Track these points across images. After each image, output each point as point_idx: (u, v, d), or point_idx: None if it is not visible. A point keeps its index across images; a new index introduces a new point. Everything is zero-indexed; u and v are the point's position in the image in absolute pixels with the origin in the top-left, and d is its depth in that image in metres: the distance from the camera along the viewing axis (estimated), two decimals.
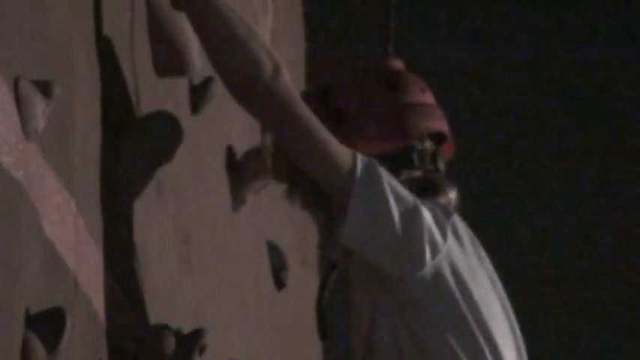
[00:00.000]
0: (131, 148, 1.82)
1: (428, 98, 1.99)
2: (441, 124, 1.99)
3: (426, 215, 1.86)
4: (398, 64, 2.09)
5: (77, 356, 1.49)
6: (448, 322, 1.86)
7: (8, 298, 1.24)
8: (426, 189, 1.94)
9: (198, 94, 2.29)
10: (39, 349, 1.28)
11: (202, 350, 1.90)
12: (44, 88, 1.32)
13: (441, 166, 2.00)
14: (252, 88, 1.79)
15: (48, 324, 1.32)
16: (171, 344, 1.79)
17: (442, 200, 1.96)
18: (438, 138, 1.99)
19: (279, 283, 3.28)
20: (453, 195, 1.98)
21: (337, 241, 1.87)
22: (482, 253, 2.00)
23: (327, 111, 1.94)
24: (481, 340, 1.87)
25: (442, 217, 1.90)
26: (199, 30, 1.85)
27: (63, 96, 1.43)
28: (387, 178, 1.85)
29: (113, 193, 1.75)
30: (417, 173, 1.95)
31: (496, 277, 1.98)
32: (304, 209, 2.02)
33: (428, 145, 1.96)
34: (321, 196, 1.90)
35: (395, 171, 1.90)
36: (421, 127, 1.95)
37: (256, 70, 1.78)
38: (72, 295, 1.50)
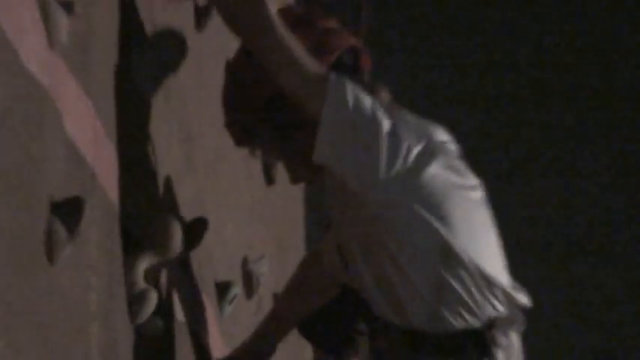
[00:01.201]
0: (143, 60, 2.02)
1: (333, 23, 2.13)
2: (352, 40, 2.12)
3: (388, 126, 1.98)
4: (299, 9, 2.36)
5: (94, 239, 1.68)
6: (405, 222, 1.99)
7: (34, 188, 1.41)
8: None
9: (202, 14, 2.52)
10: (61, 231, 1.46)
11: (202, 236, 2.13)
12: (68, 6, 1.52)
13: (365, 76, 2.11)
14: (241, 13, 1.98)
15: (68, 211, 1.48)
16: (177, 230, 2.00)
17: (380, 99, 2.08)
18: (355, 52, 2.11)
19: (269, 179, 3.52)
20: (385, 94, 2.10)
21: (313, 161, 1.99)
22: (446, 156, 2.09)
23: None
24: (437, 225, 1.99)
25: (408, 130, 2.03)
26: None
27: (84, 13, 1.63)
28: (356, 92, 1.99)
29: (127, 99, 1.95)
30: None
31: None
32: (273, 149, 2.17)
33: (346, 59, 2.08)
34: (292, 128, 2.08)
35: None
36: (335, 44, 2.07)
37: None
38: (89, 186, 1.68)
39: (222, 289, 2.64)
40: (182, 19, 2.31)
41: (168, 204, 2.18)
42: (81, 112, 1.66)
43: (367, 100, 2.00)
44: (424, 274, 2.00)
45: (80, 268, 1.61)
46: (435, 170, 2.01)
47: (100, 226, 1.72)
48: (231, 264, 2.88)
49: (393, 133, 1.99)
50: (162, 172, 2.15)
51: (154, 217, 2.02)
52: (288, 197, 3.98)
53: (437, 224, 1.98)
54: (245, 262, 2.99)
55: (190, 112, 2.41)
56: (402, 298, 2.02)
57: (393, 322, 2.06)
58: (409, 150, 1.99)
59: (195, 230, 2.10)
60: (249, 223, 3.14)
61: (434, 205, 1.99)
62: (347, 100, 1.97)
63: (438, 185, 2.01)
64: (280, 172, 3.42)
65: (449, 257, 1.98)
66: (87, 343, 1.66)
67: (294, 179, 2.19)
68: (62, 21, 1.49)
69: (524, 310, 2.11)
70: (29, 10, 1.40)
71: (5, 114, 1.29)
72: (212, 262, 2.58)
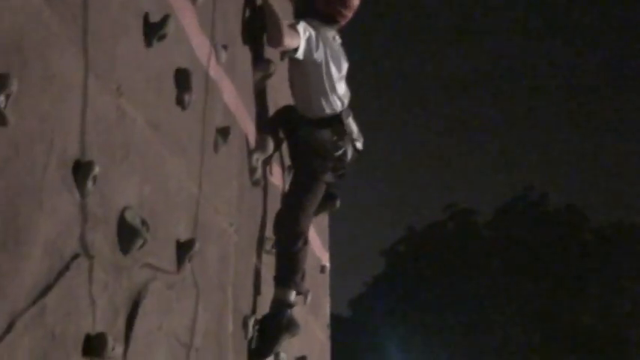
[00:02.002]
0: None
1: None
2: (348, 18, 5.39)
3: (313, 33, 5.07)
4: None
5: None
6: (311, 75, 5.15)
7: None
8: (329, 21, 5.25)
9: None
10: None
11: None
12: None
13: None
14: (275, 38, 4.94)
15: None
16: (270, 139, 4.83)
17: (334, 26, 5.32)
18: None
19: None
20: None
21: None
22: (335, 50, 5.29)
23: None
24: (326, 84, 5.16)
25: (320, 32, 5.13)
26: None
27: None
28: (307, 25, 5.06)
29: None
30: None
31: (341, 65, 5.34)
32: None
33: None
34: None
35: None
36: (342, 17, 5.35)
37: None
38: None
39: None
40: None
41: None
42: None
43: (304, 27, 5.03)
44: (319, 90, 5.16)
45: None
46: (318, 55, 5.10)
47: None
48: None
49: (309, 40, 5.05)
50: None
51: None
52: None
53: (315, 75, 5.13)
54: None
55: None
56: (309, 97, 5.16)
57: (303, 113, 5.15)
58: (311, 46, 5.06)
59: None
60: None
61: (315, 66, 5.13)
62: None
63: (319, 59, 5.11)
64: None
65: (328, 85, 5.19)
66: None
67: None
68: None
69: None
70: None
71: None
72: None
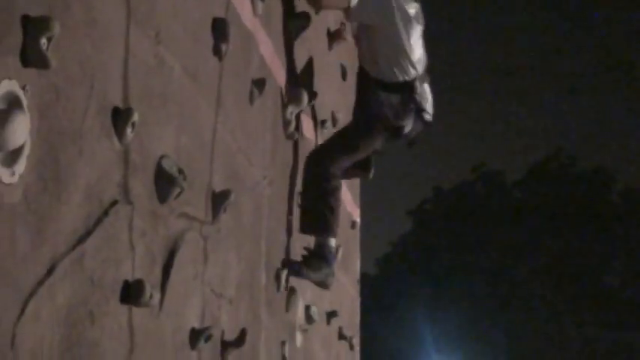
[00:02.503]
0: None
1: None
2: None
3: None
4: None
5: None
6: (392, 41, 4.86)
7: None
8: None
9: None
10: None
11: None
12: None
13: None
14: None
15: None
16: (304, 93, 4.81)
17: None
18: None
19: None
20: None
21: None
22: (419, 17, 4.95)
23: None
24: (397, 50, 4.84)
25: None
26: None
27: None
28: None
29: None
30: None
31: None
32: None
33: None
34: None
35: None
36: None
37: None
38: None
39: None
40: None
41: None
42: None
43: None
44: (388, 55, 4.84)
45: None
46: (398, 17, 4.81)
47: None
48: None
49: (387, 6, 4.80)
50: None
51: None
52: None
53: (396, 38, 4.82)
54: None
55: None
56: (377, 60, 4.87)
57: (372, 74, 4.90)
58: (390, 9, 4.80)
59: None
60: None
61: (397, 30, 4.83)
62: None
63: (399, 22, 4.81)
64: None
65: (398, 50, 4.85)
66: None
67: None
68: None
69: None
70: None
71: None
72: None
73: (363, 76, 4.97)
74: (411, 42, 4.86)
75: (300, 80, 4.99)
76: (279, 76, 4.66)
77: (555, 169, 33.94)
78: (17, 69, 2.04)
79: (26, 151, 2.05)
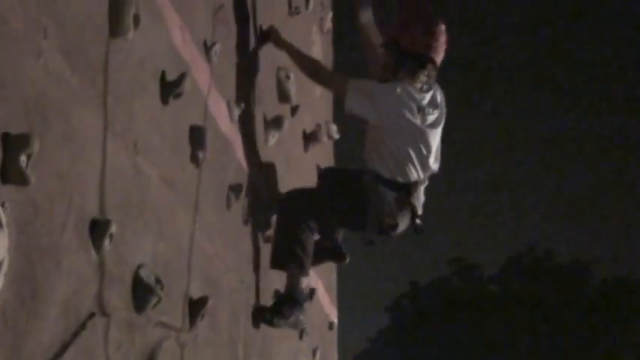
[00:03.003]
0: None
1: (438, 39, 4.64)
2: (439, 57, 4.67)
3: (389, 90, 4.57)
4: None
5: None
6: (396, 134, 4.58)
7: None
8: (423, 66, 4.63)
9: None
10: None
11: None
12: None
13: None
14: (317, 80, 4.91)
15: None
16: None
17: (424, 75, 4.63)
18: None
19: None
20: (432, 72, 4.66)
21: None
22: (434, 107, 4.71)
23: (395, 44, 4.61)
24: (421, 150, 4.60)
25: (401, 89, 4.57)
26: (291, 57, 4.85)
27: None
28: (361, 82, 4.63)
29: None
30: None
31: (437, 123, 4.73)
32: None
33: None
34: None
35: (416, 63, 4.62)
36: (436, 55, 4.64)
37: (317, 74, 4.84)
38: None
39: None
40: None
41: None
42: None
43: (366, 83, 4.62)
44: (393, 158, 4.58)
45: None
46: (397, 113, 4.57)
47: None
48: None
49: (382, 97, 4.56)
50: None
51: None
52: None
53: (400, 146, 4.59)
54: None
55: None
56: (382, 160, 4.58)
57: (375, 169, 4.57)
58: (398, 107, 4.56)
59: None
60: None
61: (402, 139, 4.60)
62: (362, 86, 4.61)
63: (401, 120, 4.58)
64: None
65: (402, 155, 4.59)
66: None
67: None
68: None
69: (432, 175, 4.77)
70: None
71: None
72: None
73: (364, 172, 4.62)
74: (420, 143, 4.59)
75: (275, 183, 5.01)
76: (256, 180, 4.69)
77: (531, 262, 34.01)
78: None
79: (4, 268, 2.05)
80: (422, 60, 4.57)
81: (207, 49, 3.82)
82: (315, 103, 6.41)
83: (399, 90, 4.51)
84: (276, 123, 4.97)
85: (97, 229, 2.56)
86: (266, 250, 4.91)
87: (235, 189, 4.17)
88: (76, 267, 2.46)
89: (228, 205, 4.14)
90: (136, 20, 2.77)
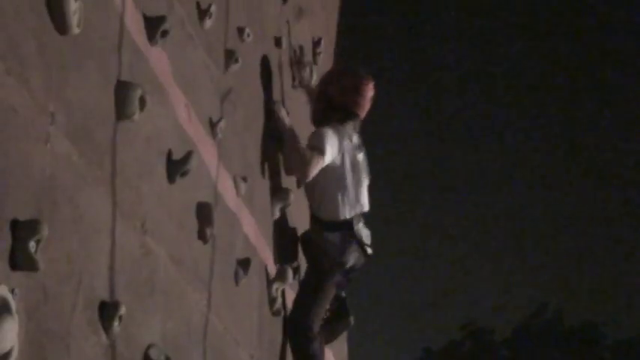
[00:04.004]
0: None
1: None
2: (365, 108, 5.22)
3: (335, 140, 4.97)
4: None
5: None
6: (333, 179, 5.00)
7: None
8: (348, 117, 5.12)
9: None
10: None
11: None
12: None
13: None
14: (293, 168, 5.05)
15: None
16: None
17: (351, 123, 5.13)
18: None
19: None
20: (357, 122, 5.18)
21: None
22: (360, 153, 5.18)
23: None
24: (341, 190, 5.03)
25: (340, 136, 5.00)
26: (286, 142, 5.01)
27: None
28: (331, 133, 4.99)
29: None
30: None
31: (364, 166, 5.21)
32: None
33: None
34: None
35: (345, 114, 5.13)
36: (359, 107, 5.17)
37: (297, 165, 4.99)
38: None
39: None
40: None
41: None
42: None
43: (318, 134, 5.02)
44: (329, 199, 5.02)
45: None
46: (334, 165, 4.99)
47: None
48: None
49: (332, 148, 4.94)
50: None
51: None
52: None
53: (334, 185, 5.02)
54: None
55: None
56: (323, 199, 5.03)
57: (315, 214, 5.09)
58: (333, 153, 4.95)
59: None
60: None
61: (335, 178, 5.02)
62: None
63: (337, 169, 5.01)
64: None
65: (340, 196, 5.03)
66: None
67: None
68: None
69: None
70: None
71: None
72: None
73: (312, 221, 5.16)
74: (356, 183, 5.10)
75: (285, 256, 5.02)
76: (264, 253, 4.69)
77: (542, 325, 33.74)
78: (6, 273, 2.06)
79: (14, 355, 2.05)
80: (348, 112, 5.12)
81: (212, 125, 3.85)
82: None
83: (331, 131, 4.98)
84: (282, 195, 4.99)
85: (107, 311, 2.56)
86: (274, 324, 4.90)
87: (243, 263, 4.17)
88: (86, 350, 2.45)
89: (237, 280, 4.14)
90: (142, 102, 2.80)
